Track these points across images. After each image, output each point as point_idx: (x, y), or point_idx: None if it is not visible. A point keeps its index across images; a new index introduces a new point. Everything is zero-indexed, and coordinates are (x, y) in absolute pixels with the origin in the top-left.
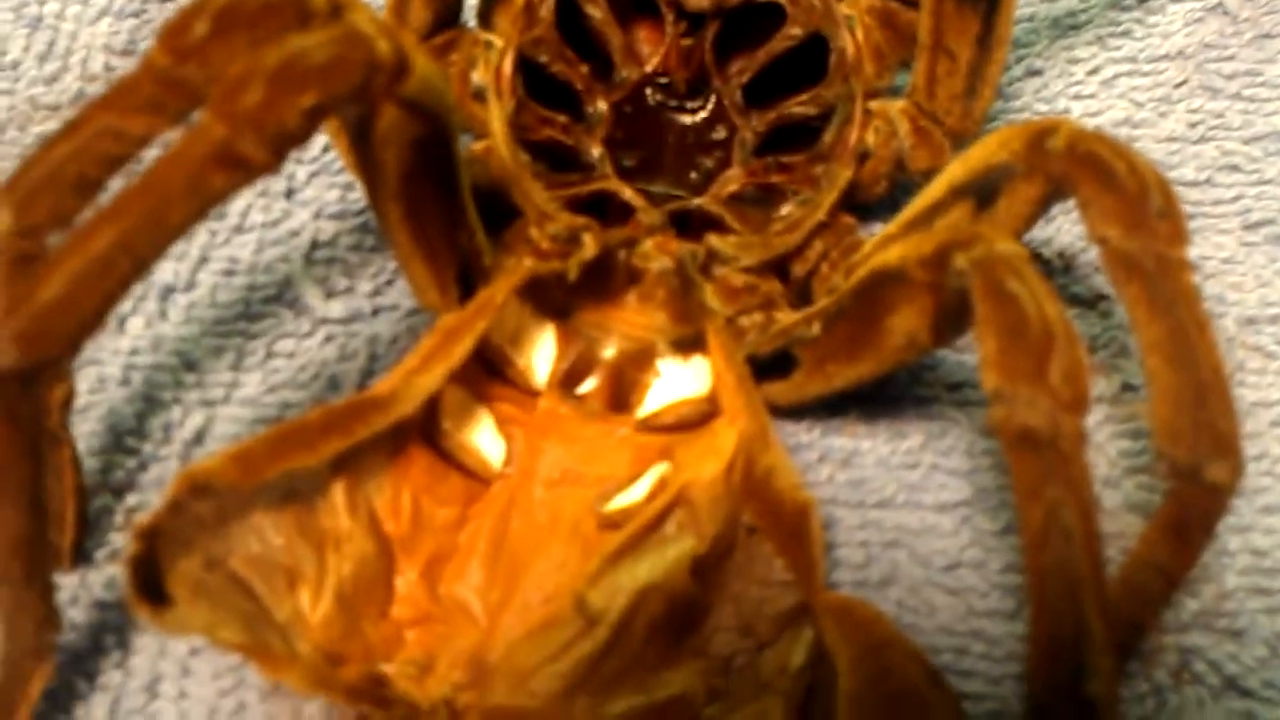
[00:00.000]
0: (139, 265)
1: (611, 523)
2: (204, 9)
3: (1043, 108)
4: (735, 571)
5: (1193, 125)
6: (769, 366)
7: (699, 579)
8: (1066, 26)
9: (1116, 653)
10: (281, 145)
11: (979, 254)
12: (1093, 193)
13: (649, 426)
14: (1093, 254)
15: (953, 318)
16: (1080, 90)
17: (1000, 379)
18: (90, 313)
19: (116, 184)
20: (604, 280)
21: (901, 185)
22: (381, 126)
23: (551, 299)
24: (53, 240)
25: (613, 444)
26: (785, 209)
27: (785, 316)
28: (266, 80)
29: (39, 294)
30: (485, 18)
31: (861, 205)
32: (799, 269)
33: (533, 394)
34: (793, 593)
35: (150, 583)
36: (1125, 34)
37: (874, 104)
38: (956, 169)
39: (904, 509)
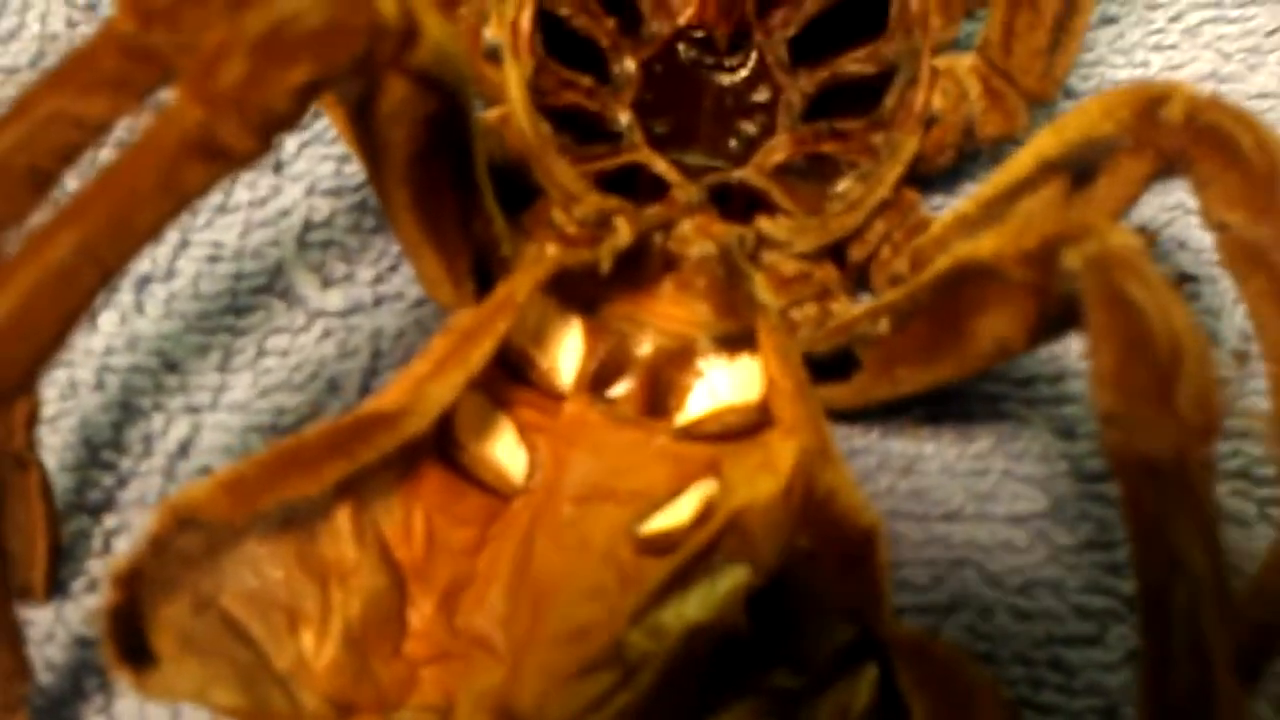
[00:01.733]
0: (104, 275)
1: (651, 546)
2: None
3: (1119, 60)
4: (789, 600)
5: None
6: (825, 365)
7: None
8: None
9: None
10: (268, 130)
11: (1093, 251)
12: (1214, 171)
13: (690, 435)
14: (1177, 228)
15: (1055, 323)
16: (1160, 40)
17: (1118, 399)
18: (49, 334)
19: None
20: (637, 268)
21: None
22: (387, 102)
23: (578, 290)
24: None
25: (650, 455)
26: (842, 184)
27: (842, 308)
28: (249, 51)
29: None
30: None
31: (922, 177)
32: (857, 253)
33: (558, 398)
34: (854, 624)
35: (132, 638)
36: None
37: (940, 61)
38: (1048, 140)
39: (973, 521)
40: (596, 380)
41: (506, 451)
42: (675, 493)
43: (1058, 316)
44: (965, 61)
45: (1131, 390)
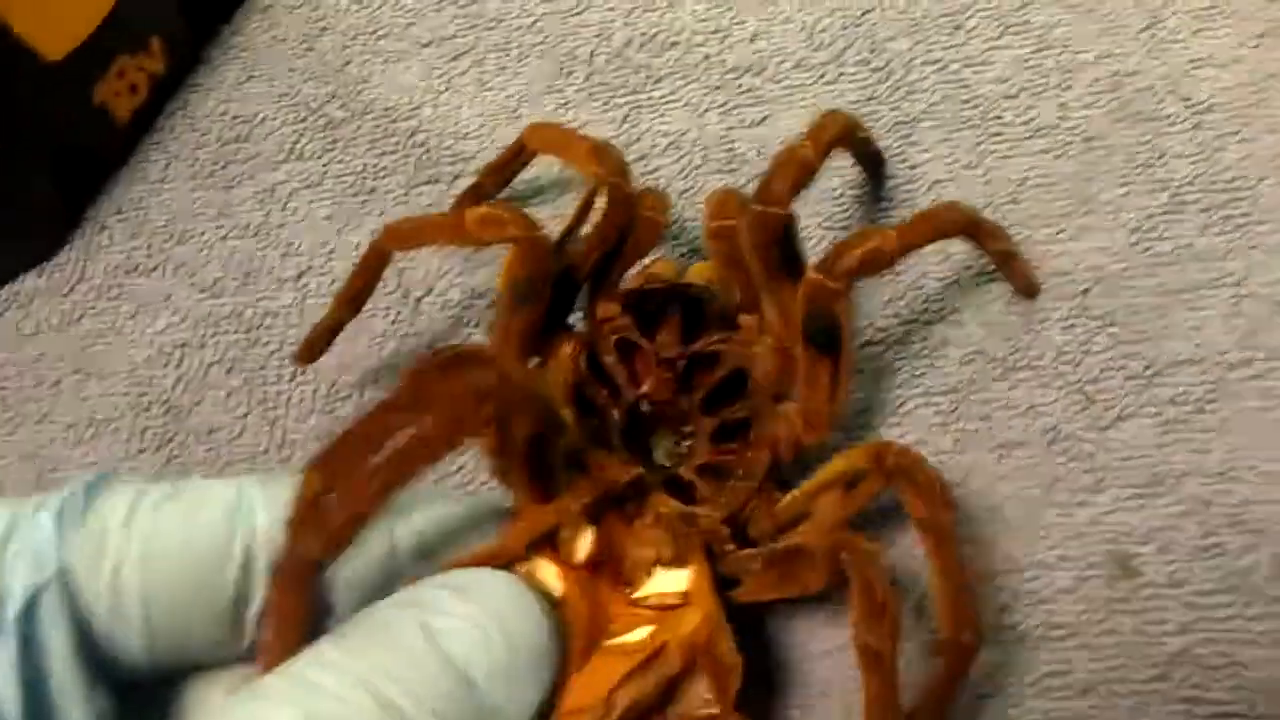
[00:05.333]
0: None
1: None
2: None
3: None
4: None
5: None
6: (724, 580)
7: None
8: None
9: None
10: None
11: (855, 555)
12: (907, 489)
13: (637, 604)
14: None
15: (837, 580)
16: None
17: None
18: None
19: None
20: (629, 514)
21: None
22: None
23: (598, 514)
24: None
25: (616, 604)
26: (732, 480)
27: (734, 550)
28: None
29: None
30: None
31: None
32: (740, 517)
33: (573, 566)
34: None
35: None
36: None
37: (779, 407)
38: (835, 463)
39: None
40: (593, 562)
41: (549, 576)
42: (629, 629)
43: (839, 577)
44: (793, 406)
45: (866, 615)
